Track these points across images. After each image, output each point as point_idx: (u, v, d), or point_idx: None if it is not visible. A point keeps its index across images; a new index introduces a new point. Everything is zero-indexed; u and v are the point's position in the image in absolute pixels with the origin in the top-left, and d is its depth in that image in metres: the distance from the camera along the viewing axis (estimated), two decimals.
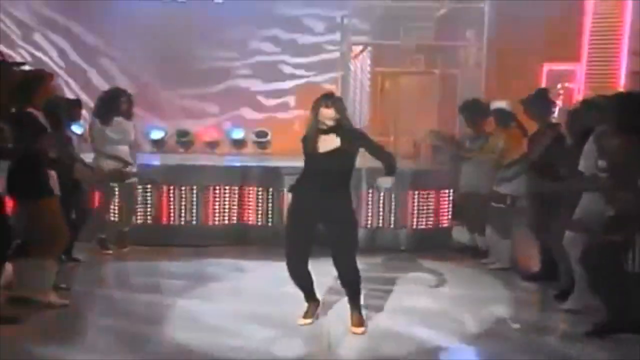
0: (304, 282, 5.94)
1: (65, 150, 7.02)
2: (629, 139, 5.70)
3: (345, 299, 5.97)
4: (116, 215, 8.89)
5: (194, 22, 13.34)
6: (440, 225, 9.50)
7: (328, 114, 5.63)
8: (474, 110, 8.82)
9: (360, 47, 13.73)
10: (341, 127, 5.68)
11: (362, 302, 5.98)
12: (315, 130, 5.70)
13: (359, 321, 5.87)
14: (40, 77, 6.53)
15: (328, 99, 5.73)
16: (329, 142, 5.69)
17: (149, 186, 9.12)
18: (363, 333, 5.80)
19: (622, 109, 5.83)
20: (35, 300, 6.21)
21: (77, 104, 8.38)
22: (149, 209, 9.15)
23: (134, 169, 8.72)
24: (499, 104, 8.58)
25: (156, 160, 9.99)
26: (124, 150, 8.53)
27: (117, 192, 8.78)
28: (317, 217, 5.73)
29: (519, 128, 8.31)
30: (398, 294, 7.20)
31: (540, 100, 7.78)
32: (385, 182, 5.80)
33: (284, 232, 5.93)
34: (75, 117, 8.19)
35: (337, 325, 5.96)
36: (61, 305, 6.31)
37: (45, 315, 6.15)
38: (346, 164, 5.75)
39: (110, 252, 8.56)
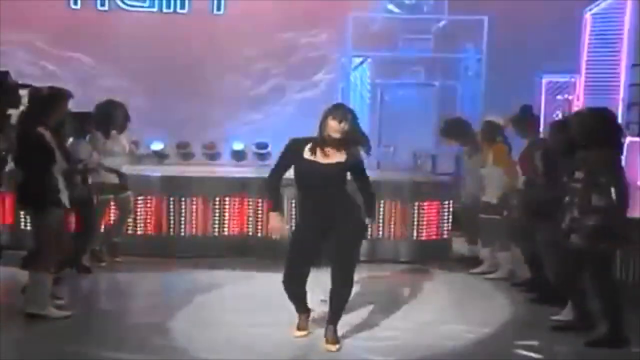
0: (299, 297, 5.84)
1: (74, 164, 6.99)
2: (598, 153, 5.86)
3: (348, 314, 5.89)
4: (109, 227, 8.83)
5: (194, 33, 13.35)
6: (440, 236, 9.47)
7: (335, 127, 5.49)
8: (457, 131, 9.02)
9: (360, 59, 13.75)
10: (348, 140, 5.55)
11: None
12: (320, 140, 5.56)
13: (334, 338, 5.66)
14: (58, 97, 6.58)
15: (337, 110, 5.58)
16: (334, 155, 5.56)
17: (149, 197, 9.11)
18: (338, 350, 5.64)
19: (591, 125, 5.98)
20: (33, 313, 6.20)
21: (87, 117, 8.23)
22: (148, 220, 9.13)
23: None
24: (489, 117, 8.63)
25: (156, 172, 9.97)
26: (120, 162, 8.52)
27: (112, 204, 8.68)
28: (326, 228, 5.59)
29: (504, 142, 8.38)
30: (398, 304, 7.18)
31: (525, 117, 7.83)
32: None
33: (289, 246, 5.77)
34: (88, 131, 8.15)
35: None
36: (63, 317, 6.30)
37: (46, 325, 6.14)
38: (344, 176, 5.67)
39: (104, 264, 8.48)
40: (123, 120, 8.63)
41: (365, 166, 5.79)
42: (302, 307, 5.93)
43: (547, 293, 6.95)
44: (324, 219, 5.60)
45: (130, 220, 8.97)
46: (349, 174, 5.70)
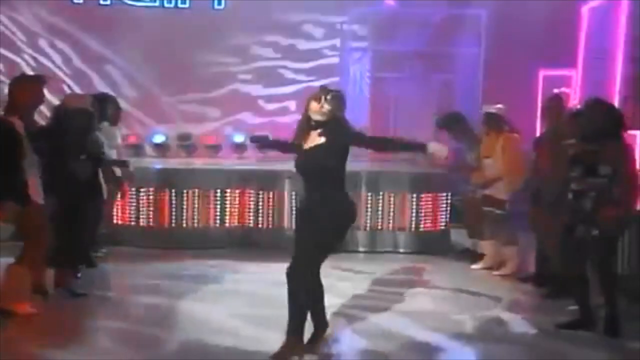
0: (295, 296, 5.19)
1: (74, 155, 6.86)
2: (608, 145, 5.84)
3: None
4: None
5: (195, 27, 13.33)
6: (438, 228, 9.48)
7: (316, 109, 5.14)
8: (451, 122, 8.91)
9: (360, 53, 13.75)
10: (330, 122, 5.15)
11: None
12: (304, 126, 5.24)
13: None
14: (31, 83, 6.22)
15: (321, 92, 5.19)
16: (315, 138, 5.17)
17: (151, 189, 9.12)
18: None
19: (594, 117, 5.98)
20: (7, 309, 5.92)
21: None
22: (150, 212, 9.15)
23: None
24: (490, 108, 8.53)
25: (158, 164, 9.98)
26: (111, 154, 8.37)
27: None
28: (304, 219, 5.26)
29: (512, 131, 8.26)
30: (396, 295, 7.19)
31: (557, 106, 7.72)
32: (438, 149, 5.10)
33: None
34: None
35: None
36: (32, 314, 5.99)
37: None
38: (327, 162, 5.11)
39: (102, 254, 8.40)
40: (114, 113, 8.58)
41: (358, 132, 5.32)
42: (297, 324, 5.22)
43: (558, 287, 6.91)
44: (303, 209, 5.30)
45: (133, 212, 9.03)
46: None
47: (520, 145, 8.16)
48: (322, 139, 5.15)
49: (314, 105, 5.17)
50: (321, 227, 5.09)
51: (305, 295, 5.17)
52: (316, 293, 5.27)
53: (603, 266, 6.00)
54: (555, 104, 7.80)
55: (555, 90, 11.22)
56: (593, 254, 6.00)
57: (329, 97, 5.16)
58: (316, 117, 5.16)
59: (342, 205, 5.21)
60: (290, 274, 5.16)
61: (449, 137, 9.18)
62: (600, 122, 5.95)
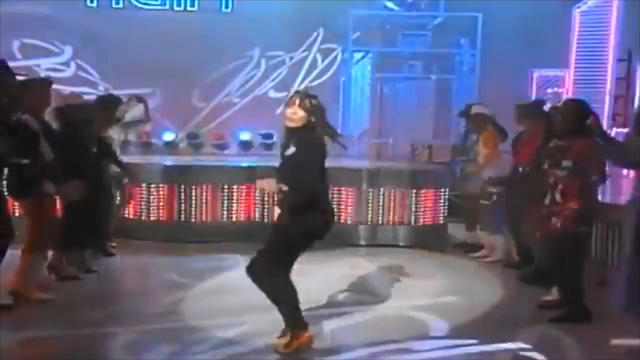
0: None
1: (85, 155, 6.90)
2: (580, 141, 5.84)
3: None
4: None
5: (203, 30, 13.36)
6: (436, 222, 9.48)
7: (288, 114, 4.73)
8: (477, 116, 8.74)
9: (361, 54, 13.77)
10: (302, 130, 4.73)
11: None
12: (284, 132, 4.87)
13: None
14: (34, 86, 6.28)
15: (294, 97, 4.76)
16: (290, 146, 4.78)
17: (161, 185, 9.14)
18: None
19: (570, 115, 6.01)
20: (19, 293, 5.98)
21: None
22: (161, 207, 9.16)
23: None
24: (476, 108, 8.57)
25: (168, 161, 10.00)
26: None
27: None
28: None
29: (495, 130, 8.32)
30: (396, 285, 7.20)
31: (535, 110, 7.71)
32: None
33: None
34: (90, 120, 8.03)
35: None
36: (45, 300, 6.09)
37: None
38: (294, 174, 4.73)
39: (114, 244, 8.40)
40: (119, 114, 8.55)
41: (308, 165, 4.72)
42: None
43: (538, 274, 6.91)
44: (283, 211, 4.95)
45: (144, 206, 9.05)
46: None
47: (496, 140, 8.24)
48: (293, 149, 4.75)
49: (286, 110, 4.76)
50: (286, 236, 4.82)
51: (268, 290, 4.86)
52: (280, 293, 4.89)
53: (563, 260, 5.97)
54: (536, 108, 7.81)
55: (549, 90, 11.23)
56: (562, 244, 5.96)
57: (302, 102, 4.72)
58: (288, 123, 4.76)
59: (308, 220, 4.78)
60: (252, 272, 4.91)
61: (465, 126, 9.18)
62: (566, 119, 6.01)
